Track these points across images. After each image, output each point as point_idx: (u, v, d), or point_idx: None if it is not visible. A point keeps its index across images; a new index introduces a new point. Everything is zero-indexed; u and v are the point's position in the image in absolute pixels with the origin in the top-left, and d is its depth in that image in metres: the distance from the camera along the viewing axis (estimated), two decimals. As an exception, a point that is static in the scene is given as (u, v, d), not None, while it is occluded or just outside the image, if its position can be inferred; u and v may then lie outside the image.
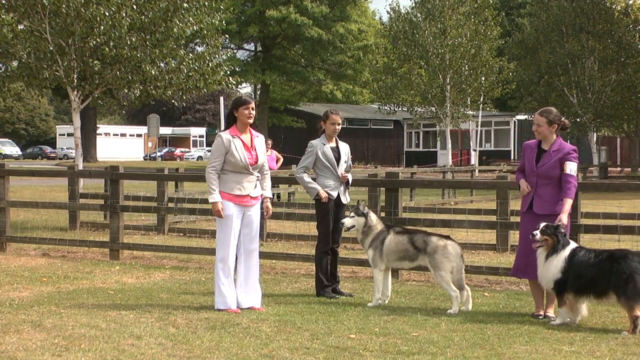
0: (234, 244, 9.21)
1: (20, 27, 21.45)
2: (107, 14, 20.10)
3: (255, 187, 9.35)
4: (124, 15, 20.01)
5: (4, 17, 20.80)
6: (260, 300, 9.41)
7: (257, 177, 9.41)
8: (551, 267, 8.69)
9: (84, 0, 20.25)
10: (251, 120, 9.27)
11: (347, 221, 9.90)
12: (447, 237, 9.68)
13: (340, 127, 10.44)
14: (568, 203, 8.90)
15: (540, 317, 9.01)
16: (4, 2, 20.83)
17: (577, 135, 48.42)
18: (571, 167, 9.00)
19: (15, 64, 21.74)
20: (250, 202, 9.29)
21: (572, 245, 8.78)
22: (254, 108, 9.26)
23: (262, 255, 12.80)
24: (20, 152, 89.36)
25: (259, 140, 9.43)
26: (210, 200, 9.20)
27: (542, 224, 8.78)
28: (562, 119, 9.35)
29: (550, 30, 44.79)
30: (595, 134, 46.98)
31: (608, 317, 9.04)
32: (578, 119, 45.04)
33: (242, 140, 9.21)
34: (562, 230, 8.72)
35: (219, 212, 9.09)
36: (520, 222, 9.43)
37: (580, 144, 54.78)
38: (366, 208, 9.97)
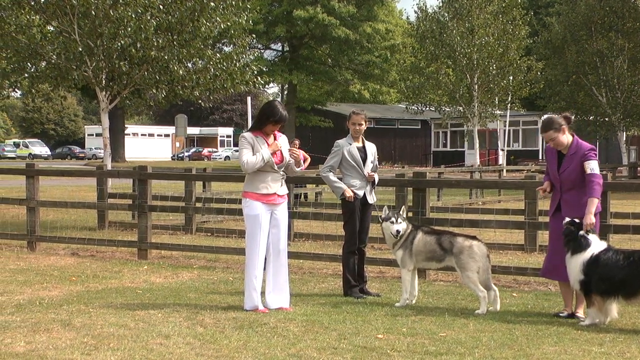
0: (263, 244, 9.22)
1: (50, 28, 21.59)
2: (133, 15, 20.21)
3: (282, 185, 9.36)
4: (149, 17, 20.08)
5: (33, 18, 20.95)
6: (289, 300, 9.41)
7: (283, 175, 9.41)
8: (574, 268, 8.64)
9: (112, 1, 20.36)
10: (273, 133, 9.35)
11: (402, 227, 9.76)
12: (473, 238, 9.64)
13: (362, 127, 10.39)
14: (593, 202, 8.71)
15: (562, 315, 8.94)
16: (32, 3, 20.98)
17: (605, 135, 48.02)
18: (591, 166, 8.81)
19: (44, 64, 21.89)
20: (277, 201, 9.29)
21: (599, 246, 8.65)
22: (282, 126, 9.32)
23: (290, 255, 12.79)
24: (49, 152, 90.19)
25: (283, 139, 9.44)
26: (268, 153, 9.10)
27: (567, 219, 8.72)
28: (564, 114, 9.26)
29: (578, 29, 44.47)
30: (624, 133, 46.55)
31: (639, 317, 8.96)
32: (607, 119, 44.68)
33: (266, 141, 9.25)
34: (582, 231, 8.63)
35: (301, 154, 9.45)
36: (550, 224, 9.32)
37: (609, 144, 54.39)
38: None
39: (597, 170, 8.84)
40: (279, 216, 9.33)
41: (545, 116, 9.41)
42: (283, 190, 9.38)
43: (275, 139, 9.35)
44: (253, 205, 9.19)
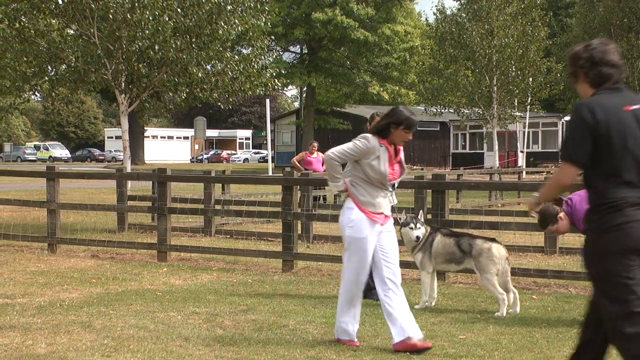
0: (366, 271, 7.83)
1: (69, 31, 21.69)
2: (151, 18, 20.28)
3: (389, 202, 7.91)
4: (167, 19, 20.15)
5: (52, 22, 21.06)
6: (417, 328, 7.75)
7: (391, 191, 7.89)
8: None
9: (131, 5, 20.44)
10: (403, 144, 7.90)
11: (422, 232, 9.67)
12: (492, 240, 9.63)
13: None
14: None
15: None
16: (52, 7, 21.08)
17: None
18: None
19: (63, 67, 21.98)
20: (384, 221, 7.78)
21: None
22: (412, 134, 7.80)
23: (309, 257, 12.86)
24: (69, 155, 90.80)
25: (401, 154, 8.01)
26: (336, 189, 7.86)
27: None
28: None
29: (596, 32, 44.22)
30: (645, 135, 46.22)
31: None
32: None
33: (389, 151, 7.70)
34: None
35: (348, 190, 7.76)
36: None
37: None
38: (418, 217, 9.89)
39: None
40: (387, 234, 7.82)
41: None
42: (389, 209, 7.95)
43: (397, 152, 7.82)
44: (359, 226, 7.64)
